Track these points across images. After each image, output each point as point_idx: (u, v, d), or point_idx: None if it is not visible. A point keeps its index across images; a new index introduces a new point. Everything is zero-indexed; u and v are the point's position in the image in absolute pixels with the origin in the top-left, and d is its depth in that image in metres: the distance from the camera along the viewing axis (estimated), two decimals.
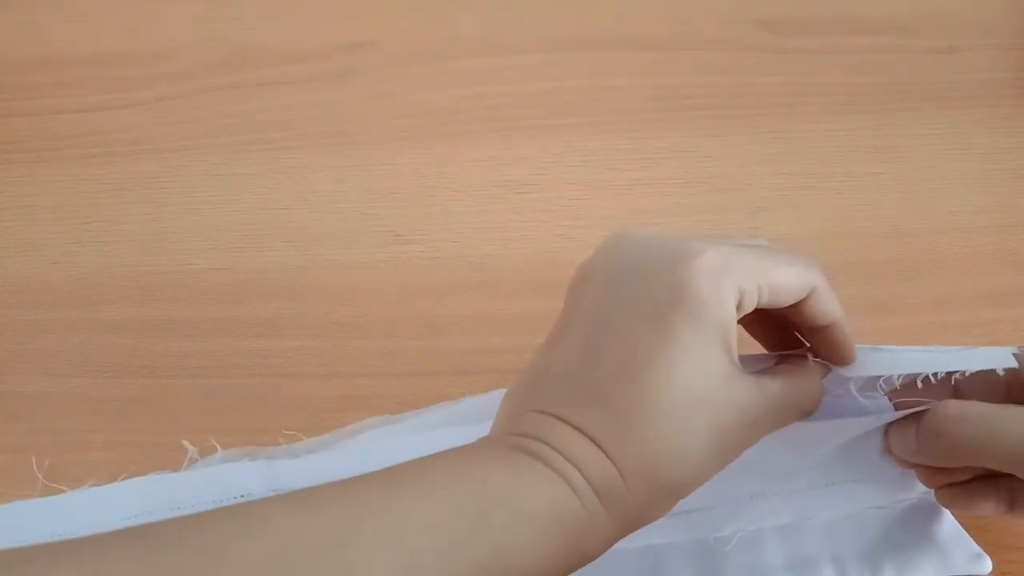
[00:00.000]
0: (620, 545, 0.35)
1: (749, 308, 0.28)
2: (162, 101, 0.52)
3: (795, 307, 0.30)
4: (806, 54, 0.53)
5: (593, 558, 0.26)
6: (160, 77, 0.53)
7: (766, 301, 0.28)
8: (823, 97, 0.51)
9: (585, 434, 0.26)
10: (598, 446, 0.26)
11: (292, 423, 0.40)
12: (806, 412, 0.30)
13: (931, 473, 0.34)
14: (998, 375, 0.31)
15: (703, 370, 0.26)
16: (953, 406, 0.30)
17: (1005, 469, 0.29)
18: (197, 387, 0.42)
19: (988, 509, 0.33)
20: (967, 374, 0.31)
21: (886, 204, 0.46)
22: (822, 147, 0.49)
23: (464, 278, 0.45)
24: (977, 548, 0.35)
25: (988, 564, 0.35)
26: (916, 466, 0.34)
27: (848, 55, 0.52)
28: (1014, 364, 0.31)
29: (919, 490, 0.35)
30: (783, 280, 0.28)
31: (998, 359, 0.31)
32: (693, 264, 0.27)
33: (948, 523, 0.36)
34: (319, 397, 0.41)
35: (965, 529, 0.36)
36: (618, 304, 0.27)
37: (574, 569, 0.26)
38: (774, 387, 0.29)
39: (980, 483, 0.33)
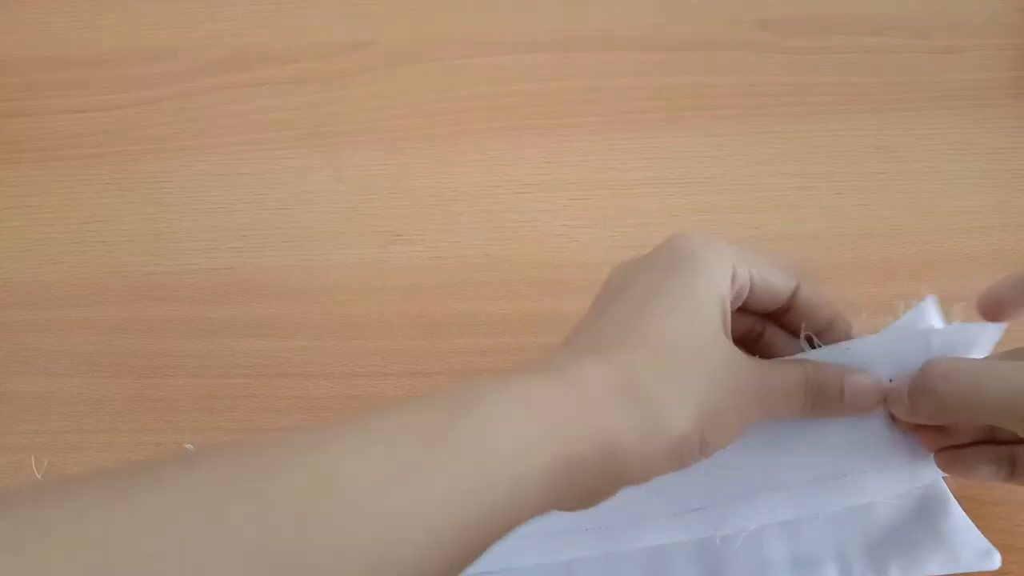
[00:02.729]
0: (623, 547, 0.34)
1: (743, 289, 0.32)
2: (162, 101, 0.52)
3: (790, 305, 0.34)
4: (806, 54, 0.53)
5: (591, 433, 0.26)
6: (160, 77, 0.53)
7: (759, 287, 0.32)
8: (823, 97, 0.51)
9: (583, 353, 0.28)
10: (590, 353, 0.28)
11: (292, 423, 0.40)
12: (804, 406, 0.32)
13: (930, 435, 0.34)
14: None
15: (699, 312, 0.29)
16: (942, 362, 0.31)
17: (993, 421, 0.30)
18: (197, 387, 0.42)
19: (988, 475, 0.33)
20: None
21: (886, 204, 0.46)
22: (822, 147, 0.49)
23: (464, 278, 0.45)
24: (986, 543, 0.34)
25: (997, 560, 0.34)
26: (917, 429, 0.34)
27: (848, 55, 0.52)
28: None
29: (929, 478, 0.35)
30: (771, 275, 0.33)
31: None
32: (689, 234, 0.32)
33: (956, 518, 0.35)
34: (319, 397, 0.41)
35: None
36: (633, 274, 0.31)
37: (573, 454, 0.26)
38: (771, 369, 0.31)
39: (979, 446, 0.33)
